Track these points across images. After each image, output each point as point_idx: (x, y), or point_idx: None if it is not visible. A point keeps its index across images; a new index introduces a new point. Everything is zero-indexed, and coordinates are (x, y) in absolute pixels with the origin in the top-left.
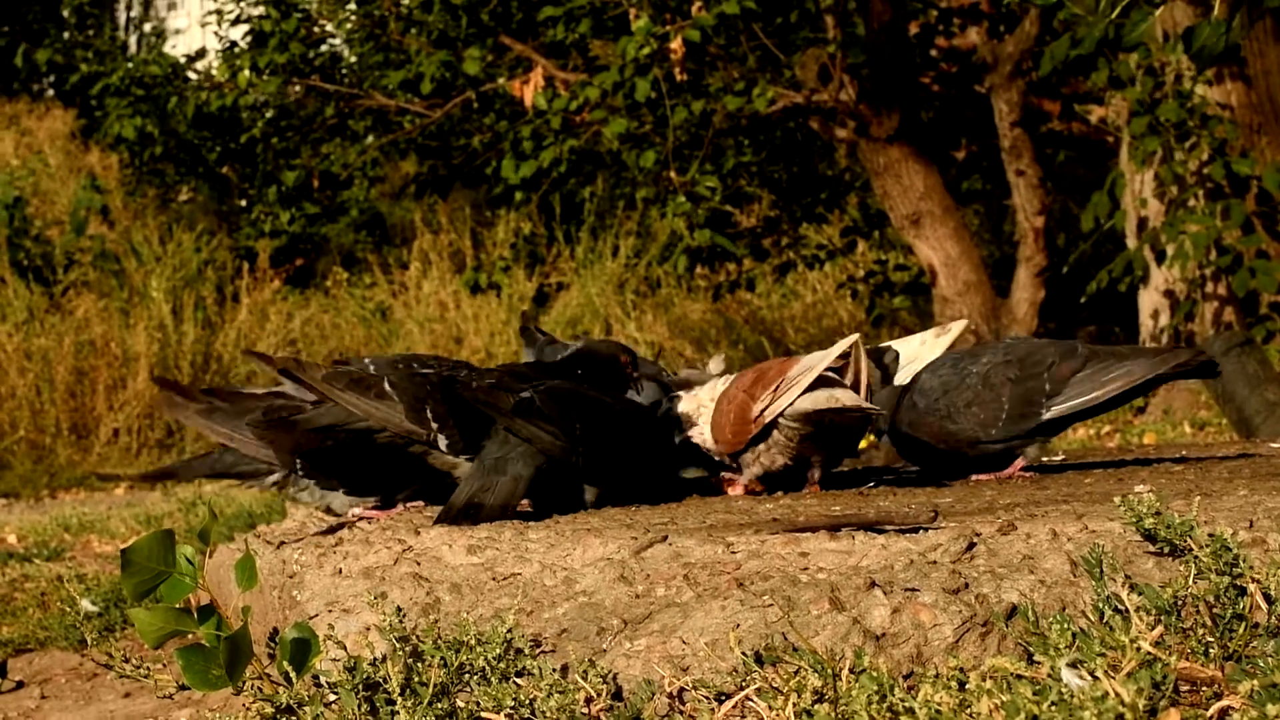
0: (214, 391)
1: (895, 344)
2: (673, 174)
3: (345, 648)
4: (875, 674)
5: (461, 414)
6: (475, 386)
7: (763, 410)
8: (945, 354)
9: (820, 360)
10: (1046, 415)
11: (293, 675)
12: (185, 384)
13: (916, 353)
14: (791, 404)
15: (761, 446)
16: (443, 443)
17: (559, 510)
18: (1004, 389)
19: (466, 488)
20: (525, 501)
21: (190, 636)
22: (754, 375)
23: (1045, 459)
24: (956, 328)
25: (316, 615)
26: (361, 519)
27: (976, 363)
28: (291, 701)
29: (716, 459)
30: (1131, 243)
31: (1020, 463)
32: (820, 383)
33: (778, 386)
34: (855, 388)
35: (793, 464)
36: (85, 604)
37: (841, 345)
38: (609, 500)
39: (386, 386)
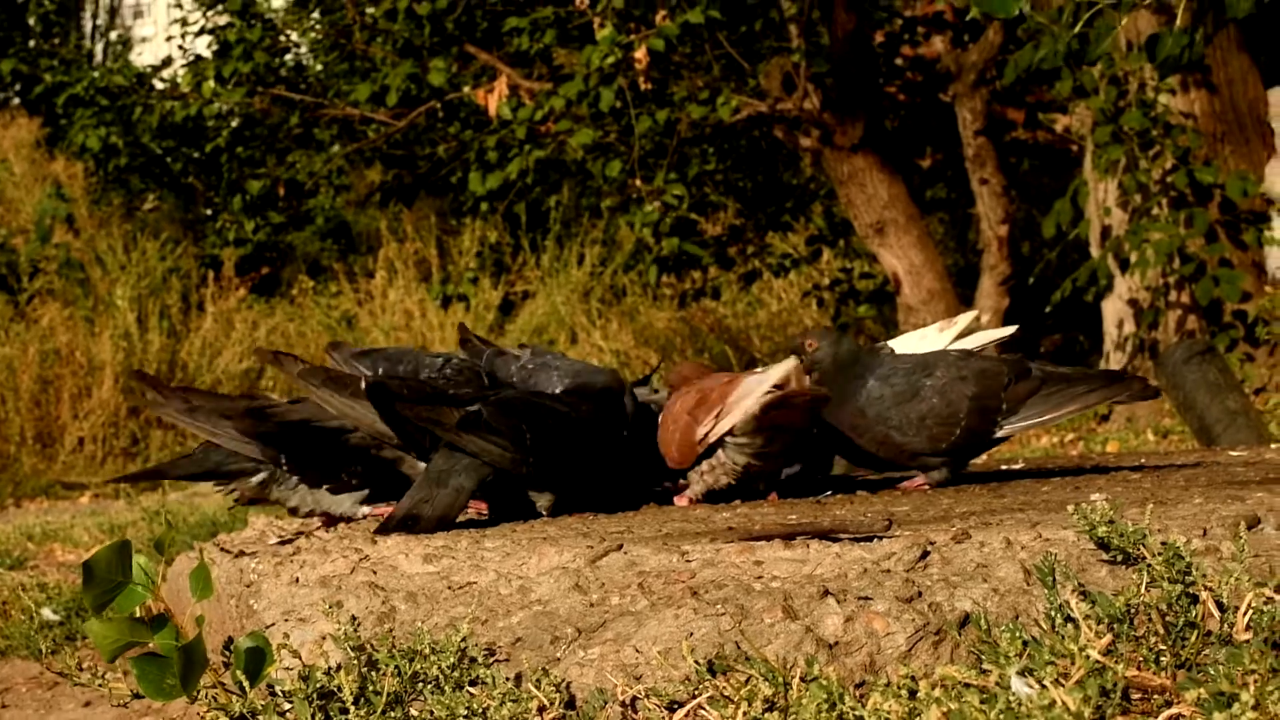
0: (188, 390)
1: (895, 341)
2: (638, 183)
3: (300, 657)
4: (825, 682)
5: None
6: (417, 403)
7: (706, 434)
8: (896, 360)
9: (758, 384)
10: (999, 434)
11: (246, 684)
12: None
13: (916, 347)
14: (741, 417)
15: (705, 465)
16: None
17: (514, 519)
18: (961, 405)
19: (408, 499)
20: (484, 509)
21: (146, 646)
22: (697, 396)
23: (1004, 466)
24: (963, 320)
25: (273, 624)
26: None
27: (931, 376)
28: (245, 711)
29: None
30: (1095, 252)
31: (921, 479)
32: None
33: (719, 411)
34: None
35: (736, 484)
36: (46, 613)
37: (780, 370)
38: (566, 508)
39: (363, 387)
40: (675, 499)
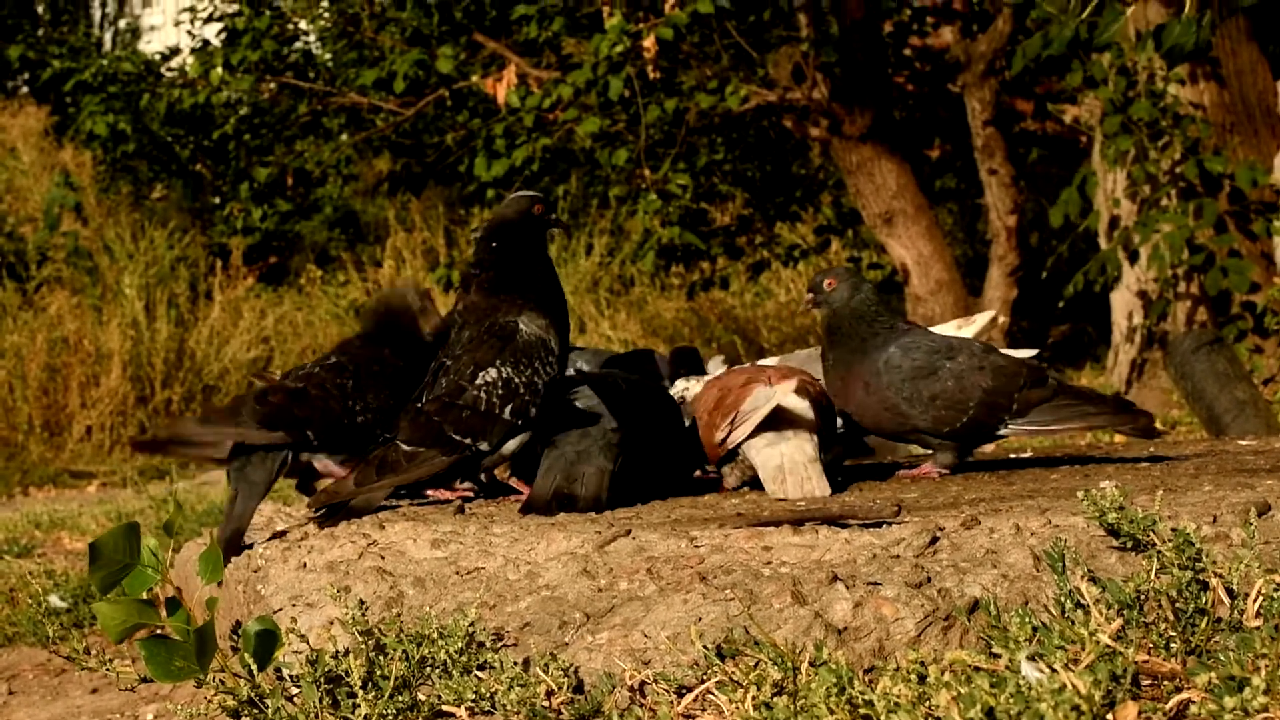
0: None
1: None
2: (645, 172)
3: (308, 641)
4: (834, 666)
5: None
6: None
7: (723, 440)
8: (920, 335)
9: (766, 402)
10: (1001, 431)
11: (254, 668)
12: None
13: None
14: (748, 439)
15: (733, 463)
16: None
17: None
18: (974, 395)
19: (550, 479)
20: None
21: (154, 629)
22: (717, 395)
23: (1013, 454)
24: (981, 319)
25: (280, 609)
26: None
27: (952, 360)
28: (253, 695)
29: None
30: (1104, 243)
31: (929, 466)
32: (775, 421)
33: (734, 418)
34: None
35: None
36: (54, 599)
37: (785, 391)
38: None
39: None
40: (724, 483)
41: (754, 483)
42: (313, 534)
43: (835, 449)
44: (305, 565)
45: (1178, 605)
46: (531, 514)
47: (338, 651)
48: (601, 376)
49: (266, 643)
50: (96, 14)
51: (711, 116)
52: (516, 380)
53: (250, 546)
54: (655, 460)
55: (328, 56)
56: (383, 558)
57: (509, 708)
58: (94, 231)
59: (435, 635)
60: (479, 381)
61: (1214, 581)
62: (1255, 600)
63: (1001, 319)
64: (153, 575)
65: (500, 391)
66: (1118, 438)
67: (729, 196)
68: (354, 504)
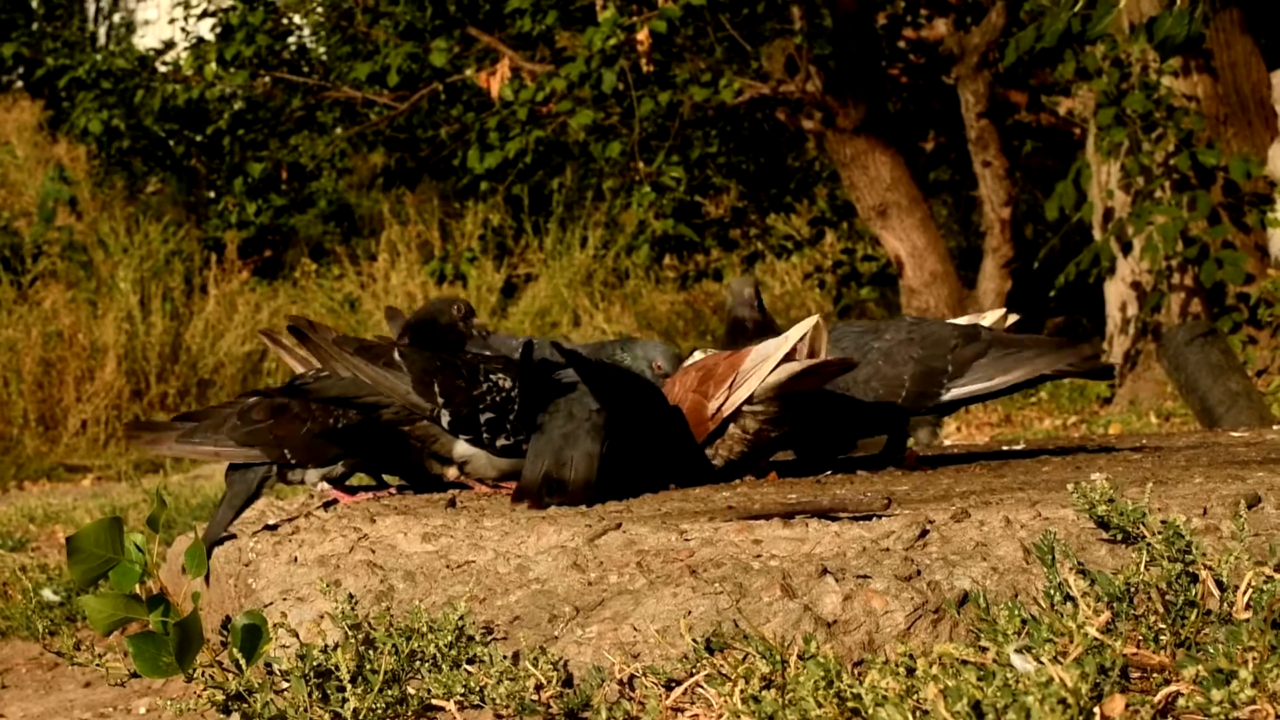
0: (184, 416)
1: None
2: (639, 165)
3: (298, 636)
4: (823, 660)
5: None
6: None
7: (719, 407)
8: (846, 327)
9: (776, 348)
10: (945, 396)
11: (242, 663)
12: (154, 418)
13: None
14: (760, 384)
15: (717, 442)
16: (445, 419)
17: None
18: (906, 366)
19: (539, 465)
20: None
21: (144, 623)
22: (699, 374)
23: (1005, 447)
24: (991, 316)
25: (271, 603)
26: (326, 503)
27: (879, 339)
28: (241, 689)
29: None
30: (1098, 234)
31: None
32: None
33: (732, 382)
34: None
35: (749, 452)
36: (47, 594)
37: (799, 329)
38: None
39: (396, 356)
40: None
41: (741, 463)
42: (304, 528)
43: None
44: (296, 559)
45: (1167, 598)
46: (524, 501)
47: (327, 646)
48: (586, 360)
49: (254, 637)
50: (91, 8)
51: (705, 109)
52: None
53: (229, 539)
54: (644, 447)
55: (321, 51)
56: (373, 551)
57: (498, 701)
58: (88, 225)
59: (425, 629)
60: None
61: (1204, 574)
62: (1245, 593)
63: (988, 301)
64: (138, 571)
65: None
66: (1112, 428)
67: (723, 189)
68: None
